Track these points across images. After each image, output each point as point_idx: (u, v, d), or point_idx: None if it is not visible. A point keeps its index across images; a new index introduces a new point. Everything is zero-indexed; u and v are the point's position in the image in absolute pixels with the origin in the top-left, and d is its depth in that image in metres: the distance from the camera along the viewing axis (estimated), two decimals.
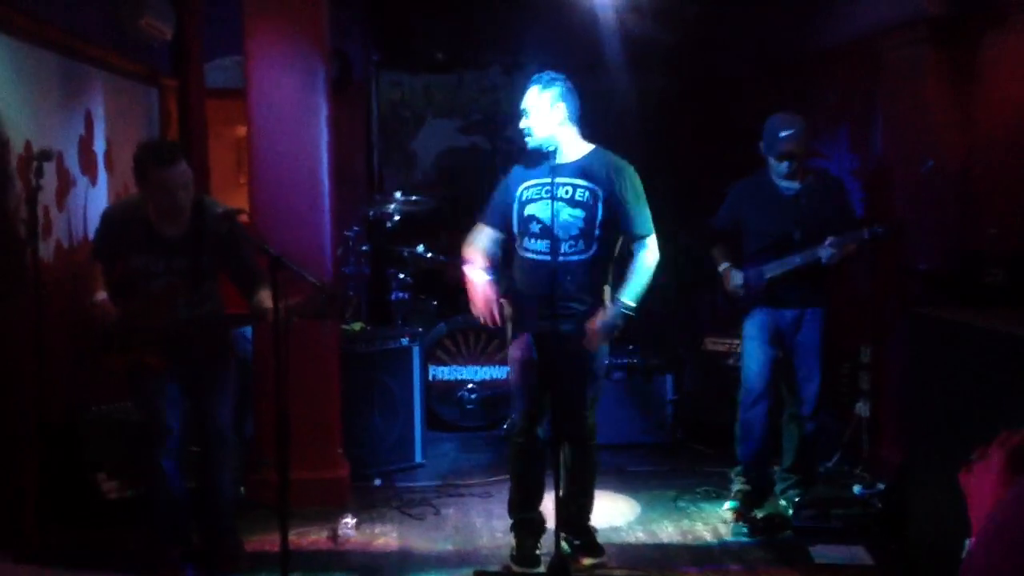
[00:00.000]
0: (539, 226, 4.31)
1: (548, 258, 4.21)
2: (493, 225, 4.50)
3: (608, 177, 4.29)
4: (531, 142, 4.33)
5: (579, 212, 4.27)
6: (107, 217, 4.32)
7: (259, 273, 4.07)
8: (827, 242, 4.76)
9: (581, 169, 4.32)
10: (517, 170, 4.47)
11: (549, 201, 4.22)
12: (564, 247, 4.26)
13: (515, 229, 4.41)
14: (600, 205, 4.27)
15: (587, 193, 4.28)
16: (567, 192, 4.28)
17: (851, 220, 5.00)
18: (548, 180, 4.21)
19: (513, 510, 4.58)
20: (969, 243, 5.00)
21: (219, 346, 4.32)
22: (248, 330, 5.18)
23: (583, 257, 4.28)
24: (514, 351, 4.45)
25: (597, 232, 4.28)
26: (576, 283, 4.27)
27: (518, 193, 4.39)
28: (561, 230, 4.24)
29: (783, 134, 4.84)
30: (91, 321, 4.13)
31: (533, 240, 4.34)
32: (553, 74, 4.33)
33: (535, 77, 4.36)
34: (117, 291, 4.16)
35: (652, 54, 7.89)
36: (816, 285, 4.97)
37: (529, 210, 4.35)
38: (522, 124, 4.34)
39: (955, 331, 3.84)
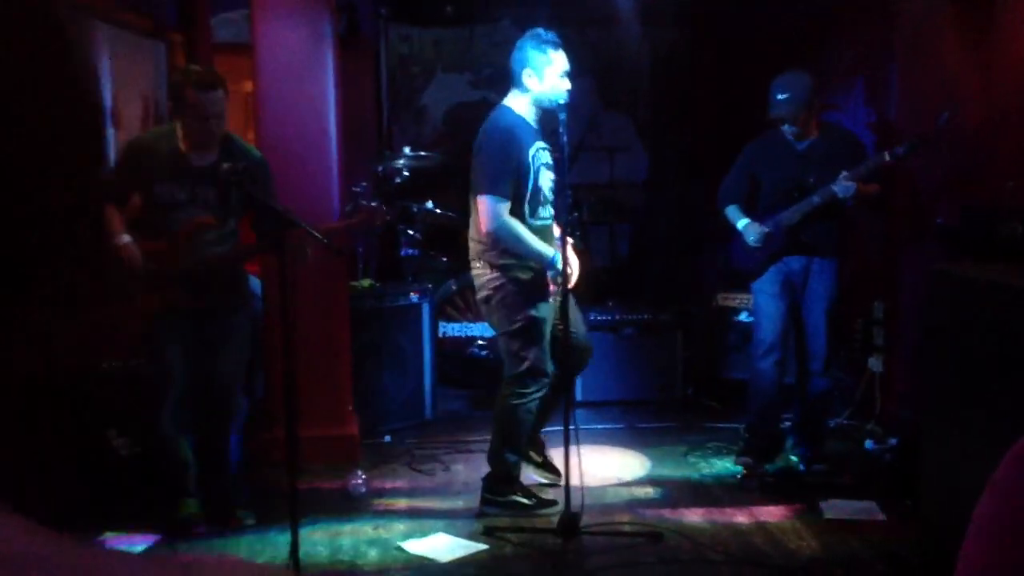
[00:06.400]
0: (549, 192, 4.34)
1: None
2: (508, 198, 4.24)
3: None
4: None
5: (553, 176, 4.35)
6: (132, 143, 4.32)
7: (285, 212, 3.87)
8: (842, 175, 4.68)
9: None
10: (523, 133, 4.30)
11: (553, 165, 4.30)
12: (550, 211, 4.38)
13: (527, 197, 4.28)
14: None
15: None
16: (549, 156, 4.37)
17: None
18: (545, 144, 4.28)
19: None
20: (986, 197, 4.93)
21: (236, 295, 4.33)
22: (258, 287, 5.16)
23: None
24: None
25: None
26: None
27: (531, 157, 4.29)
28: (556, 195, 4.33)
29: (779, 97, 4.80)
30: (117, 264, 4.10)
31: (545, 207, 4.37)
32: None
33: (551, 37, 4.28)
34: (136, 230, 4.14)
35: (663, 7, 7.78)
36: (828, 233, 4.90)
37: (543, 176, 4.33)
38: (567, 87, 4.27)
39: (972, 286, 3.79)
